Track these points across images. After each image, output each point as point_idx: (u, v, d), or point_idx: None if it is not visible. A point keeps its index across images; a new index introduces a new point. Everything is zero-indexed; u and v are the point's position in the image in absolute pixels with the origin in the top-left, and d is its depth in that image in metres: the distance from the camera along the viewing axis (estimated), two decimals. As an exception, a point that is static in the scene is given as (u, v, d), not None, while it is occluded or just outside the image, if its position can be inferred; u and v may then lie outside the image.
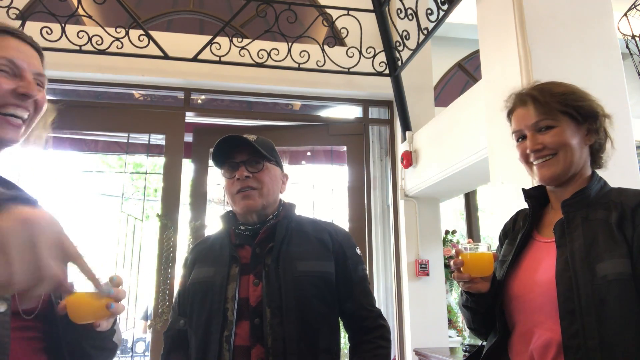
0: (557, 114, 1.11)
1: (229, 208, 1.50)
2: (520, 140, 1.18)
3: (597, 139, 1.14)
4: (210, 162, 3.41)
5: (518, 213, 1.32)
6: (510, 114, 1.21)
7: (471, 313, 1.23)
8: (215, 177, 3.58)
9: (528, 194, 1.23)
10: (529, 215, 1.22)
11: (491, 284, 1.16)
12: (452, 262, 1.17)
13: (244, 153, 1.42)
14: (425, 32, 2.79)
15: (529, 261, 1.16)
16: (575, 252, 1.04)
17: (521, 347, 1.11)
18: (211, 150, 1.46)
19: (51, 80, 3.22)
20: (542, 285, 1.08)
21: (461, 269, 1.15)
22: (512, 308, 1.15)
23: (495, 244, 1.37)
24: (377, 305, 1.49)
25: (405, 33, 2.96)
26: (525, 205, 1.26)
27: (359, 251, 1.50)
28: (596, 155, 1.17)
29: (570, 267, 1.03)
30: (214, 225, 3.35)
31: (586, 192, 1.11)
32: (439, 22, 2.60)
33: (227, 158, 1.44)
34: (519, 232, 1.23)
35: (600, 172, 1.17)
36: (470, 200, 4.52)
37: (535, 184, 1.25)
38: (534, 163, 1.15)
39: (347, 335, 1.49)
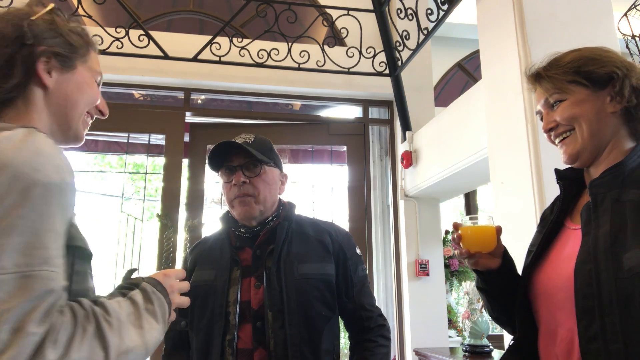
0: (565, 85, 0.99)
1: (225, 208, 1.49)
2: (542, 120, 1.07)
3: (624, 103, 0.96)
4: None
5: (557, 198, 1.14)
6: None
7: (485, 296, 1.13)
8: (213, 175, 3.57)
9: (562, 174, 1.08)
10: (560, 199, 1.07)
11: (503, 261, 1.07)
12: (451, 237, 1.09)
13: (241, 156, 1.39)
14: (425, 32, 2.79)
15: (556, 251, 1.02)
16: (599, 241, 0.88)
17: (548, 348, 0.99)
18: (209, 147, 1.46)
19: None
20: (562, 279, 0.95)
21: (460, 244, 1.07)
22: (537, 304, 1.03)
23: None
24: (377, 305, 1.49)
25: (405, 33, 2.95)
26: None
27: (359, 251, 1.50)
28: (634, 123, 0.98)
29: (592, 259, 0.87)
30: (211, 224, 3.35)
31: (619, 168, 0.93)
32: (439, 22, 2.59)
33: (224, 161, 1.42)
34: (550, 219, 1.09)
35: None
36: (470, 200, 4.52)
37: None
38: (557, 143, 1.04)
39: (347, 335, 1.49)
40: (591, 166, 1.01)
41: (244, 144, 1.38)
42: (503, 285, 1.08)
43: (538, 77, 1.05)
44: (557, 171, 1.10)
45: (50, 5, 0.89)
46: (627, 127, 0.98)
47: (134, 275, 0.88)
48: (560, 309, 0.96)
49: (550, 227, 1.05)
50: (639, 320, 0.81)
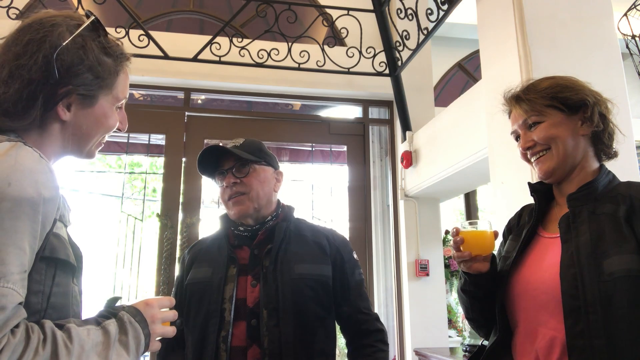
0: (543, 108, 1.11)
1: (223, 207, 1.52)
2: (518, 140, 1.18)
3: (593, 128, 1.10)
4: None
5: (523, 208, 1.29)
6: (509, 115, 1.22)
7: (469, 298, 1.20)
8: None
9: (534, 188, 1.20)
10: (535, 210, 1.18)
11: (490, 264, 1.14)
12: (452, 241, 1.14)
13: (231, 159, 1.43)
14: (425, 32, 2.79)
15: (533, 258, 1.13)
16: (580, 248, 1.00)
17: (526, 346, 1.08)
18: (207, 141, 1.49)
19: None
20: (545, 282, 1.05)
21: (461, 247, 1.12)
22: (515, 306, 1.12)
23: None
24: (375, 307, 1.50)
25: (405, 33, 2.95)
26: (527, 201, 1.25)
27: (355, 256, 1.51)
28: (600, 146, 1.12)
29: (576, 263, 0.99)
30: (209, 222, 3.34)
31: (593, 185, 1.07)
32: (439, 22, 2.59)
33: (217, 167, 1.45)
34: (524, 228, 1.19)
35: None
36: (470, 200, 4.51)
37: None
38: (532, 160, 1.15)
39: (344, 340, 1.49)
40: (562, 182, 1.13)
41: (232, 148, 1.42)
42: (489, 288, 1.16)
43: (517, 100, 1.15)
44: (530, 185, 1.21)
45: (87, 20, 0.84)
46: (594, 149, 1.12)
47: (118, 303, 0.87)
48: (543, 309, 1.05)
49: (527, 235, 1.16)
50: (620, 319, 0.92)
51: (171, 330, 0.90)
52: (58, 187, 0.76)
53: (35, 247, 0.71)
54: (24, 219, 0.68)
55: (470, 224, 1.14)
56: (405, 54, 3.09)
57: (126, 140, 3.53)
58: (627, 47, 3.43)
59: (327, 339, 1.38)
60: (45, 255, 0.74)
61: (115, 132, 0.95)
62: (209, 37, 3.10)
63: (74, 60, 0.82)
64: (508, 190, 1.97)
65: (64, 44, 0.80)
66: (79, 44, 0.82)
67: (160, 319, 0.87)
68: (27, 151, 0.73)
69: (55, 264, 0.76)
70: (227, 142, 1.48)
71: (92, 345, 0.73)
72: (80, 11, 2.84)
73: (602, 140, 1.12)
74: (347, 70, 3.18)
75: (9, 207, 0.67)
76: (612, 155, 1.15)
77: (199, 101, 3.71)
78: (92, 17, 0.85)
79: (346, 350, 1.48)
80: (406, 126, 3.38)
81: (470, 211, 4.51)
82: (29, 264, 0.70)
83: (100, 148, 0.93)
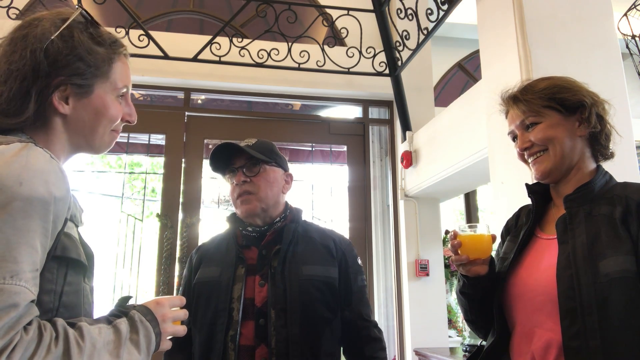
0: (541, 109, 1.11)
1: (223, 208, 1.53)
2: (515, 140, 1.18)
3: (590, 129, 1.10)
4: (207, 153, 3.38)
5: (521, 209, 1.29)
6: (506, 116, 1.21)
7: (468, 300, 1.20)
8: (210, 172, 3.53)
9: (531, 189, 1.20)
10: (532, 211, 1.18)
11: (489, 267, 1.14)
12: (449, 244, 1.14)
13: (243, 158, 1.44)
14: (425, 32, 2.79)
15: (530, 259, 1.13)
16: (577, 249, 1.00)
17: (522, 347, 1.08)
18: (206, 141, 1.50)
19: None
20: (542, 283, 1.05)
21: (459, 250, 1.12)
22: (513, 307, 1.12)
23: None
24: (375, 307, 1.52)
25: (405, 33, 2.95)
26: (527, 202, 1.25)
27: (359, 261, 1.52)
28: (597, 147, 1.13)
29: (572, 265, 0.99)
30: (209, 222, 3.34)
31: (590, 186, 1.07)
32: (439, 22, 2.59)
33: (228, 164, 1.46)
34: (522, 229, 1.19)
35: None
36: (470, 200, 4.51)
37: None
38: (529, 161, 1.15)
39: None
40: (560, 183, 1.13)
41: (245, 146, 1.42)
42: (487, 290, 1.15)
43: (515, 100, 1.14)
44: (527, 186, 1.20)
45: (75, 13, 0.85)
46: (591, 150, 1.13)
47: (130, 302, 0.88)
48: (539, 310, 1.05)
49: (525, 236, 1.16)
50: (615, 320, 0.92)
51: (182, 329, 0.90)
52: (69, 187, 0.77)
53: (46, 245, 0.72)
54: (36, 218, 0.69)
55: (470, 227, 1.13)
56: (405, 54, 3.09)
57: (126, 140, 3.53)
58: (627, 47, 3.43)
59: (333, 340, 1.39)
60: (56, 254, 0.75)
61: (125, 125, 0.95)
62: (209, 37, 3.10)
63: (62, 51, 0.82)
64: (508, 190, 1.97)
65: (51, 37, 0.81)
66: (67, 36, 0.83)
67: (171, 318, 0.88)
68: (38, 152, 0.74)
69: (66, 263, 0.77)
70: (240, 141, 1.50)
71: (104, 344, 0.73)
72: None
73: (599, 142, 1.12)
74: (347, 70, 3.18)
75: (20, 207, 0.68)
76: (608, 156, 1.15)
77: (199, 101, 3.71)
78: (79, 10, 0.86)
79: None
80: (406, 126, 3.38)
81: (470, 211, 4.51)
82: (40, 262, 0.70)
83: (115, 140, 0.93)
